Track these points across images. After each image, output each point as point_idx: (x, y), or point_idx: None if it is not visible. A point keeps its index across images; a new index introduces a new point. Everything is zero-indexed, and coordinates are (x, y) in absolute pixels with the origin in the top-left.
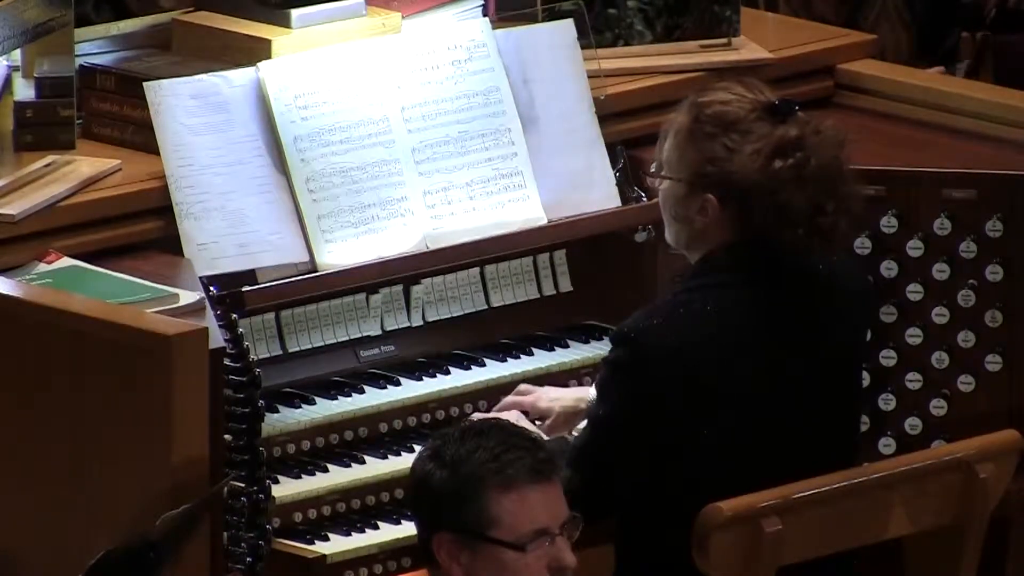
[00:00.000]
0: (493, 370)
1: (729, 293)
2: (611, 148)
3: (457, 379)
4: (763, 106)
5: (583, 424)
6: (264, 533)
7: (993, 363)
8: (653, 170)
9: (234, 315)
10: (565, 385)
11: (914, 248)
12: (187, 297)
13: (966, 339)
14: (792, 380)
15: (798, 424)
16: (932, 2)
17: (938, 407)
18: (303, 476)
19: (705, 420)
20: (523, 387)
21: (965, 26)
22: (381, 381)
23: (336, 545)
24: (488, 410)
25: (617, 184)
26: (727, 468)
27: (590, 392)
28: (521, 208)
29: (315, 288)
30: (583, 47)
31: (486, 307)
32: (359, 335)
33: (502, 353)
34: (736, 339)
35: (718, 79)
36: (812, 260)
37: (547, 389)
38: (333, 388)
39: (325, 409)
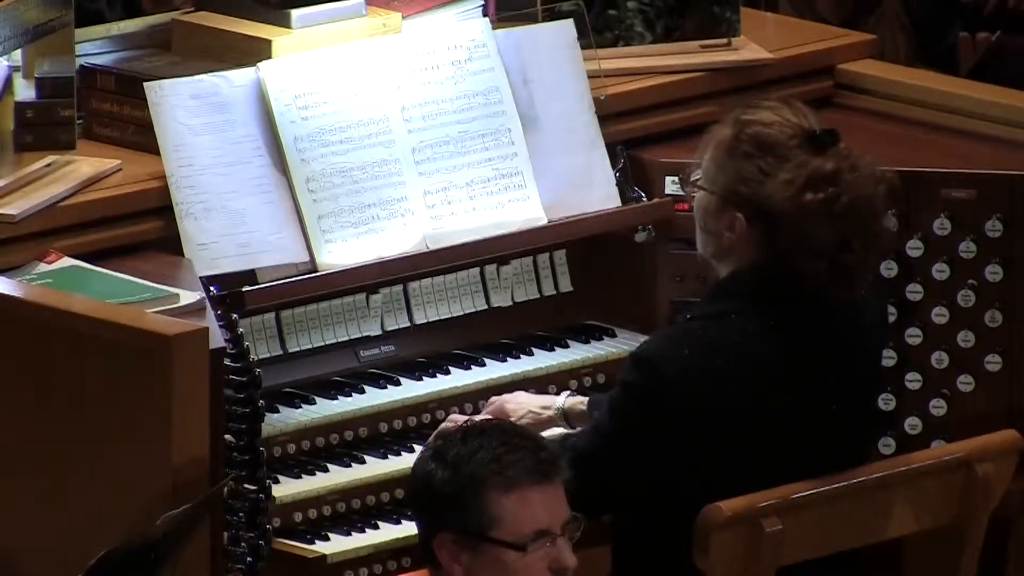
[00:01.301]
0: (493, 370)
1: (750, 323)
2: (611, 148)
3: (457, 379)
4: (805, 133)
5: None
6: (264, 533)
7: (993, 363)
8: (693, 178)
9: (234, 315)
10: (565, 385)
11: (914, 248)
12: (187, 297)
13: (966, 339)
14: (808, 411)
15: (811, 454)
16: (931, 3)
17: (938, 407)
18: (303, 476)
19: (716, 449)
20: (493, 398)
21: (965, 26)
22: (381, 381)
23: (336, 545)
24: None
25: (617, 184)
26: (734, 494)
27: (556, 401)
28: (521, 208)
29: (315, 288)
30: (583, 47)
31: (486, 307)
32: (359, 335)
33: (502, 353)
34: (754, 372)
35: (768, 97)
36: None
37: (517, 394)
38: (333, 388)
39: (325, 409)
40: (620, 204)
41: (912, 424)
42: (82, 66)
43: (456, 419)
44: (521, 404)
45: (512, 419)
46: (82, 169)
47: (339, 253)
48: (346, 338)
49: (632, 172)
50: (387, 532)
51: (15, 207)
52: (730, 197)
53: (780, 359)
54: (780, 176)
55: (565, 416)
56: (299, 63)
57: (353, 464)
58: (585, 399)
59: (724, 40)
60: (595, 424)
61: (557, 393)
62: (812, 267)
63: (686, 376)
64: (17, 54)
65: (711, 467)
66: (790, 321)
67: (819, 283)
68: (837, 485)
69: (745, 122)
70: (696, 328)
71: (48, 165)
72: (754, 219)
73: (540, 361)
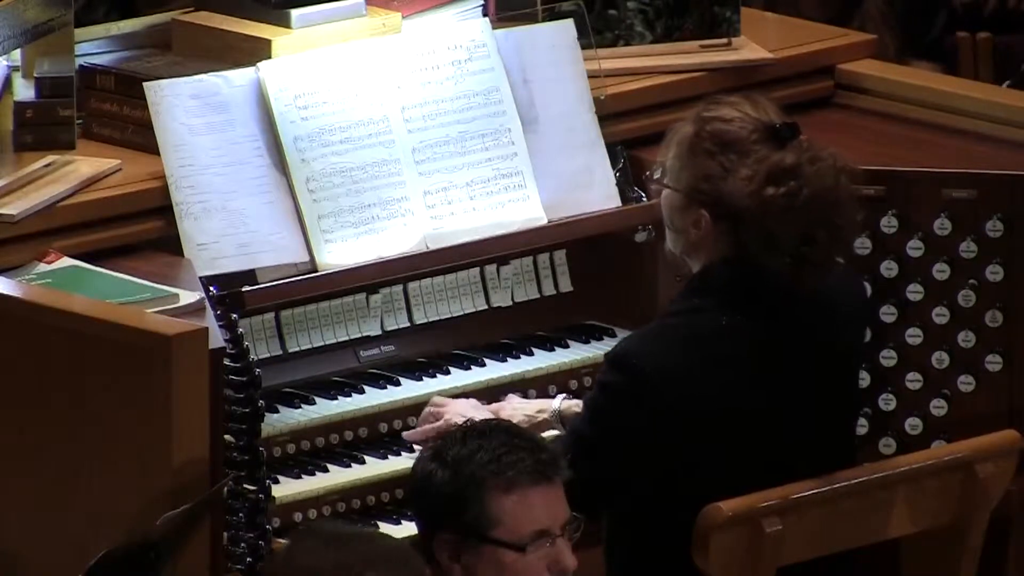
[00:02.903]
0: (493, 370)
1: (723, 318)
2: (611, 148)
3: (457, 379)
4: (765, 128)
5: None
6: (264, 533)
7: (993, 363)
8: (656, 176)
9: (234, 315)
10: (565, 385)
11: (914, 248)
12: (187, 297)
13: (966, 339)
14: (788, 402)
15: (794, 443)
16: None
17: (938, 407)
18: (303, 476)
19: (700, 444)
20: (495, 404)
21: (965, 26)
22: (381, 381)
23: None
24: None
25: (617, 184)
26: (721, 488)
27: (552, 404)
28: (521, 208)
29: (315, 288)
30: (583, 47)
31: (486, 307)
32: (359, 335)
33: (502, 353)
34: (730, 366)
35: (730, 93)
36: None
37: (510, 398)
38: (333, 388)
39: (325, 409)
40: (620, 204)
41: (912, 424)
42: (82, 66)
43: (438, 402)
44: (516, 409)
45: (507, 418)
46: (82, 169)
47: (339, 253)
48: (346, 338)
49: (632, 172)
50: (387, 532)
51: (15, 207)
52: (694, 195)
53: (756, 352)
54: (741, 172)
55: (561, 419)
56: (299, 63)
57: (353, 464)
58: (580, 402)
59: (724, 40)
60: (572, 427)
61: (556, 394)
62: (776, 262)
63: (664, 372)
64: (17, 54)
65: (693, 463)
66: (763, 314)
67: (784, 278)
68: (837, 485)
69: (706, 119)
70: (671, 325)
71: (48, 165)
72: (719, 216)
73: (540, 361)
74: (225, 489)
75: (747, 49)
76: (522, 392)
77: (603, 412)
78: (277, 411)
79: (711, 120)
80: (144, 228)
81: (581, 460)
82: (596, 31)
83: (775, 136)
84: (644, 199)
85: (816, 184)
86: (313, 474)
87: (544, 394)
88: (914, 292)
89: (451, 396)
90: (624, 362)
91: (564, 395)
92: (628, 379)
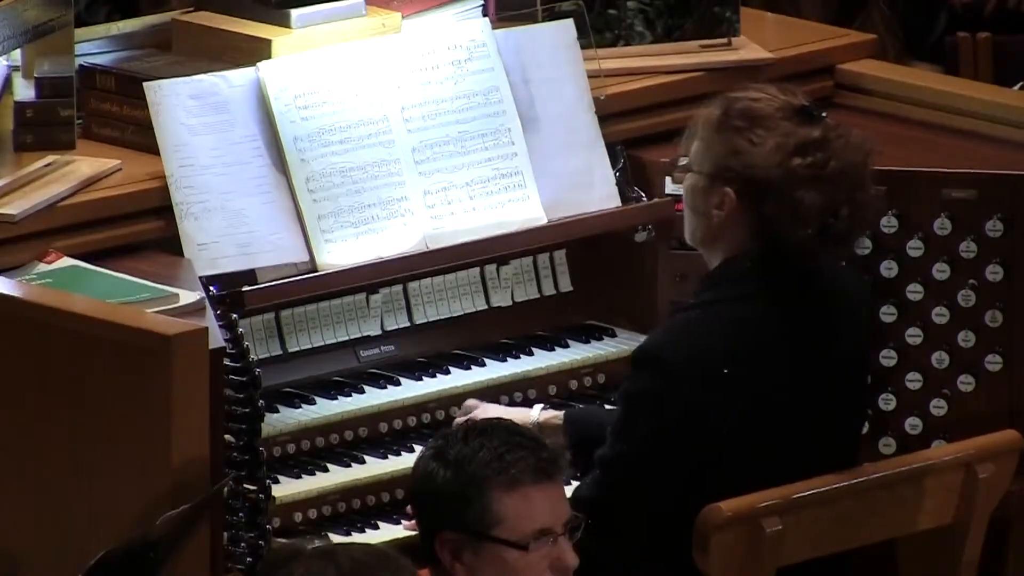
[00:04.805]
0: (493, 370)
1: (742, 309)
2: (611, 148)
3: (457, 379)
4: (792, 107)
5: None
6: (264, 533)
7: (993, 363)
8: (681, 164)
9: (234, 315)
10: (565, 385)
11: (914, 248)
12: (187, 297)
13: (966, 339)
14: (808, 392)
15: (813, 433)
16: (916, 3)
17: (938, 407)
18: (303, 476)
19: (728, 433)
20: (470, 402)
21: (965, 26)
22: (381, 381)
23: None
24: None
25: (617, 184)
26: (742, 478)
27: (531, 415)
28: (521, 208)
29: (315, 288)
30: (583, 47)
31: (486, 307)
32: (359, 335)
33: (502, 353)
34: (751, 357)
35: (754, 81)
36: (820, 269)
37: (488, 407)
38: (333, 388)
39: (325, 409)
40: (620, 204)
41: (912, 424)
42: (82, 66)
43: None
44: (496, 416)
45: None
46: (82, 169)
47: (339, 253)
48: (346, 338)
49: (632, 172)
50: (387, 532)
51: (15, 207)
52: (719, 173)
53: (774, 343)
54: (768, 144)
55: (540, 430)
56: (299, 63)
57: (353, 464)
58: (560, 414)
59: (724, 40)
60: (600, 459)
61: (556, 394)
62: (800, 234)
63: (690, 363)
64: (17, 54)
65: (724, 449)
66: (781, 304)
67: (807, 251)
68: (837, 485)
69: (733, 99)
70: (690, 318)
71: (48, 165)
72: (744, 192)
73: (540, 361)
74: (225, 489)
75: (747, 49)
76: (522, 392)
77: (635, 421)
78: (277, 411)
79: (738, 99)
80: (144, 228)
81: (619, 486)
82: (596, 31)
83: (802, 114)
84: (644, 199)
85: (843, 158)
86: (313, 474)
87: (544, 394)
88: (914, 292)
89: (451, 396)
90: (649, 361)
91: (543, 405)
92: (655, 377)
